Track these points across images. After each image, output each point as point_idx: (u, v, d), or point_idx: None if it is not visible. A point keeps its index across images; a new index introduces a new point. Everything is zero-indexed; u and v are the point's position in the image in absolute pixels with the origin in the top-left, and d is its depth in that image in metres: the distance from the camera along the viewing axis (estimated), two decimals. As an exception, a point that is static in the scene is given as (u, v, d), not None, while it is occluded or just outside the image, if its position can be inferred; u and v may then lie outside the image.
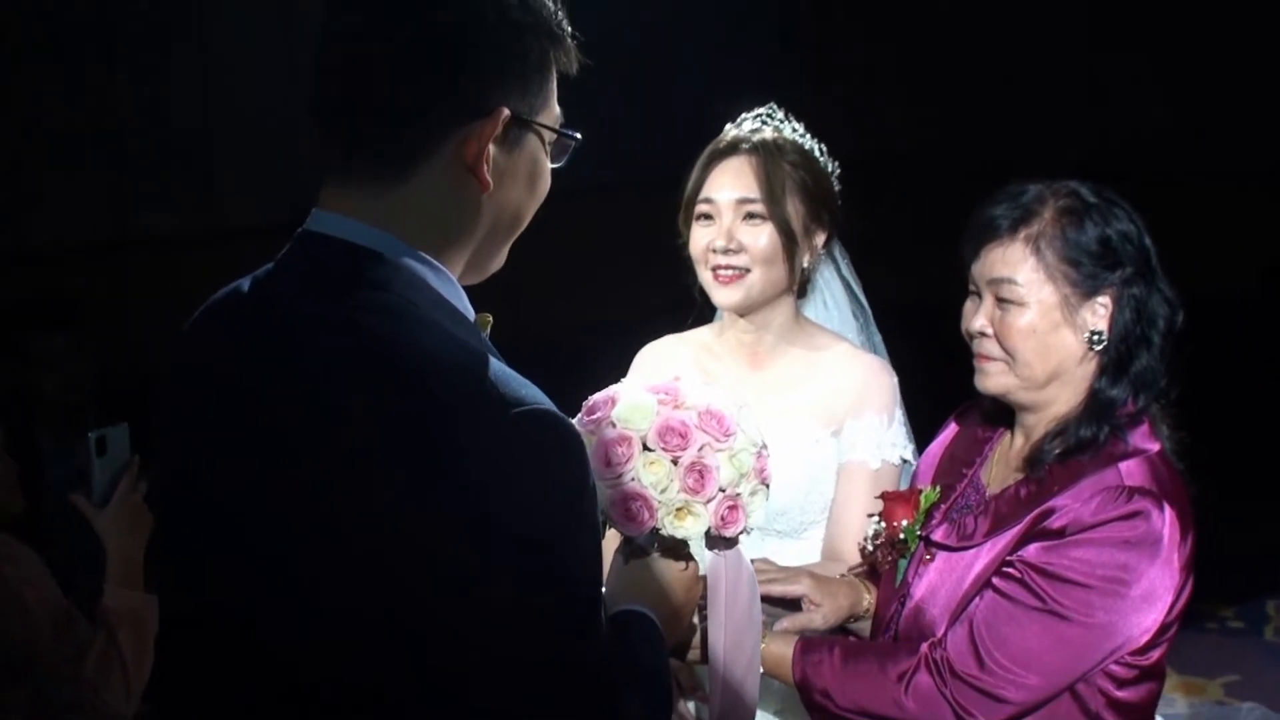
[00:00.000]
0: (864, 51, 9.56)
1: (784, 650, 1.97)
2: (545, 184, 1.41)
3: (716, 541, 1.68)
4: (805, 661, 1.96)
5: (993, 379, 1.96)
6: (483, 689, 1.24)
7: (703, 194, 2.25)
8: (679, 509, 1.60)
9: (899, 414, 2.29)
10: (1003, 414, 2.07)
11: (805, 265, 2.27)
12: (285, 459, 1.28)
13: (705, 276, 2.26)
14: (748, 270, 2.22)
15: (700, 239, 2.25)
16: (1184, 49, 8.84)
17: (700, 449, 1.61)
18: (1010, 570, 1.88)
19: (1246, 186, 8.60)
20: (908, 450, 2.30)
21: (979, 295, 1.97)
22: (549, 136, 1.39)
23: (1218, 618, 4.88)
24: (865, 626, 2.13)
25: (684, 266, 2.34)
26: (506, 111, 1.32)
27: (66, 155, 6.25)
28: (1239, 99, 8.78)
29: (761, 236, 2.21)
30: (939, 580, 1.97)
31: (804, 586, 2.05)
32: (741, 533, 1.66)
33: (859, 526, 2.20)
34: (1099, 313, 1.91)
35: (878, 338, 2.47)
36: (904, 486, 2.27)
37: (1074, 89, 9.18)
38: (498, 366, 1.27)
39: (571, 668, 1.27)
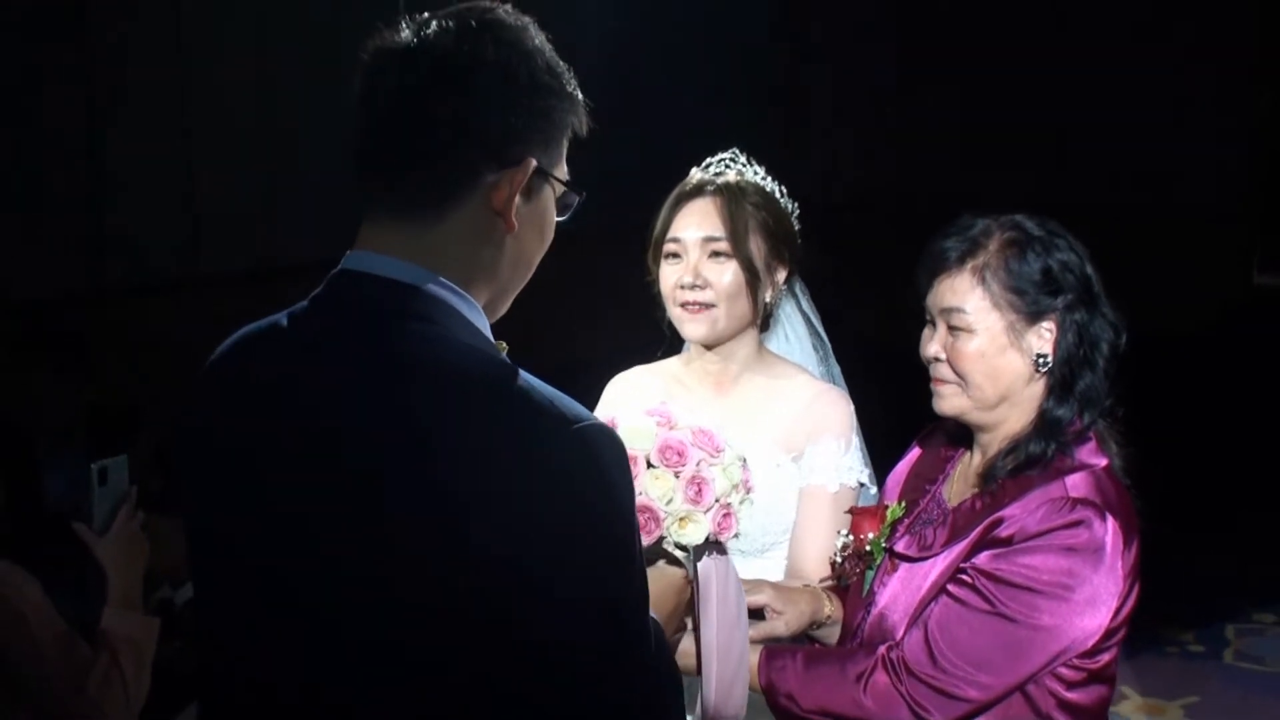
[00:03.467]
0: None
1: (750, 657, 2.09)
2: (551, 234, 1.55)
3: (710, 547, 1.84)
4: (770, 667, 2.08)
5: (947, 401, 2.10)
6: (574, 682, 1.35)
7: (670, 233, 2.40)
8: (682, 518, 1.79)
9: (856, 440, 2.43)
10: (964, 435, 2.21)
11: (768, 300, 2.41)
12: (353, 497, 1.36)
13: (674, 311, 2.40)
14: (713, 305, 2.36)
15: (669, 276, 2.39)
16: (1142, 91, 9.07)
17: (697, 464, 1.78)
18: (963, 576, 2.01)
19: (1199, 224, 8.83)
20: (864, 474, 2.43)
21: (933, 323, 2.12)
22: (559, 190, 1.53)
23: (1178, 641, 5.02)
24: (828, 634, 2.25)
25: (654, 303, 2.48)
26: (534, 162, 1.47)
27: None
28: (1190, 140, 9.02)
29: (726, 273, 2.35)
30: (900, 588, 2.10)
31: (766, 596, 2.17)
32: (733, 537, 1.82)
33: (820, 547, 2.33)
34: (1044, 337, 2.05)
35: (837, 369, 2.61)
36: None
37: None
38: (543, 385, 1.39)
39: (644, 665, 1.41)
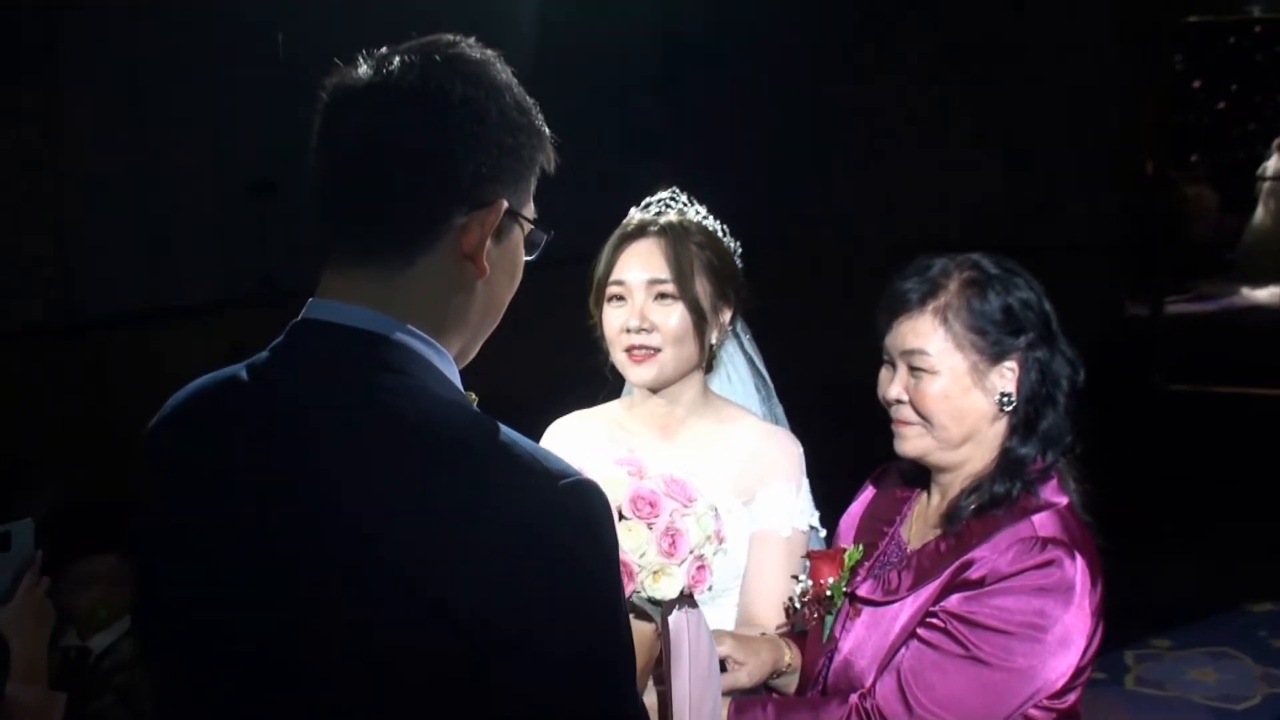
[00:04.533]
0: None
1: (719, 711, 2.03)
2: (521, 274, 1.49)
3: (681, 600, 1.77)
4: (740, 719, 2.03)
5: (910, 442, 2.07)
6: None
7: (614, 276, 2.34)
8: (655, 571, 1.71)
9: (805, 483, 2.39)
10: (919, 475, 2.18)
11: (713, 342, 2.36)
12: (324, 559, 1.29)
13: (619, 356, 2.34)
14: (660, 349, 2.30)
15: (614, 320, 2.33)
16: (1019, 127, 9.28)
17: (670, 515, 1.70)
18: (934, 620, 1.97)
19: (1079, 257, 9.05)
20: (814, 517, 2.39)
21: (893, 365, 2.09)
22: (527, 229, 1.46)
23: (1080, 669, 5.06)
24: (788, 682, 2.20)
25: (594, 346, 2.42)
26: (505, 203, 1.40)
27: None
28: (1063, 172, 9.25)
29: (673, 316, 2.30)
30: (865, 633, 2.06)
31: (727, 647, 2.12)
32: (707, 590, 1.75)
33: (774, 593, 2.28)
34: (1006, 376, 2.03)
35: (779, 409, 2.57)
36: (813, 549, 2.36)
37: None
38: (524, 439, 1.33)
39: None
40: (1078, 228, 9.21)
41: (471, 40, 1.45)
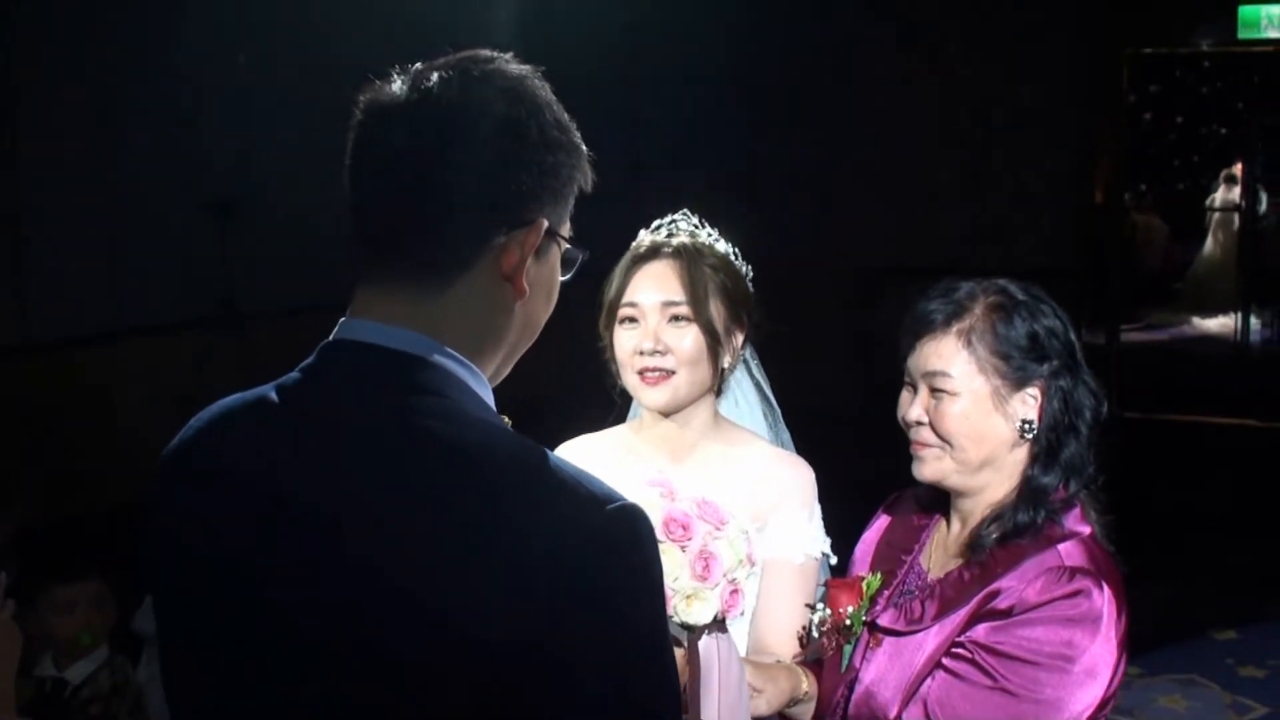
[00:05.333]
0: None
1: None
2: (557, 295, 1.45)
3: (712, 625, 1.73)
4: None
5: (929, 465, 2.05)
6: None
7: (626, 298, 2.30)
8: (689, 596, 1.66)
9: (817, 509, 2.36)
10: (935, 502, 2.16)
11: (726, 365, 2.33)
12: (363, 592, 1.24)
13: (631, 379, 2.30)
14: (673, 371, 2.27)
15: (626, 342, 2.29)
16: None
17: (703, 537, 1.66)
18: (960, 650, 1.95)
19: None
20: (826, 544, 2.36)
21: (914, 387, 2.07)
22: (564, 248, 1.43)
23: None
24: (804, 711, 2.17)
25: (604, 369, 2.38)
26: (545, 223, 1.37)
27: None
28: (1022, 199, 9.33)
29: (686, 338, 2.27)
30: (888, 664, 2.03)
31: (747, 674, 2.08)
32: (739, 615, 1.71)
33: (787, 621, 2.25)
34: (1028, 403, 2.02)
35: (786, 435, 2.54)
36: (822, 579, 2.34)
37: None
38: (567, 462, 1.29)
39: None
40: (1034, 255, 9.29)
41: (508, 56, 1.41)
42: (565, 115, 1.40)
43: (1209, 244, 13.47)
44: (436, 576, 1.21)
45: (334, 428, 1.31)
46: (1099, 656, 1.92)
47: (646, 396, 2.29)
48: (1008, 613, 1.93)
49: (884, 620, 2.07)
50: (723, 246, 2.37)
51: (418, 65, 1.39)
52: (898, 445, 2.14)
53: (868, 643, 2.09)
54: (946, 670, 1.95)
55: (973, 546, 2.03)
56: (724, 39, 9.25)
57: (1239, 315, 11.19)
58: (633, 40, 9.24)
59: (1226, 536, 6.64)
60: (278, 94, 7.21)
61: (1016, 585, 1.93)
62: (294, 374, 1.38)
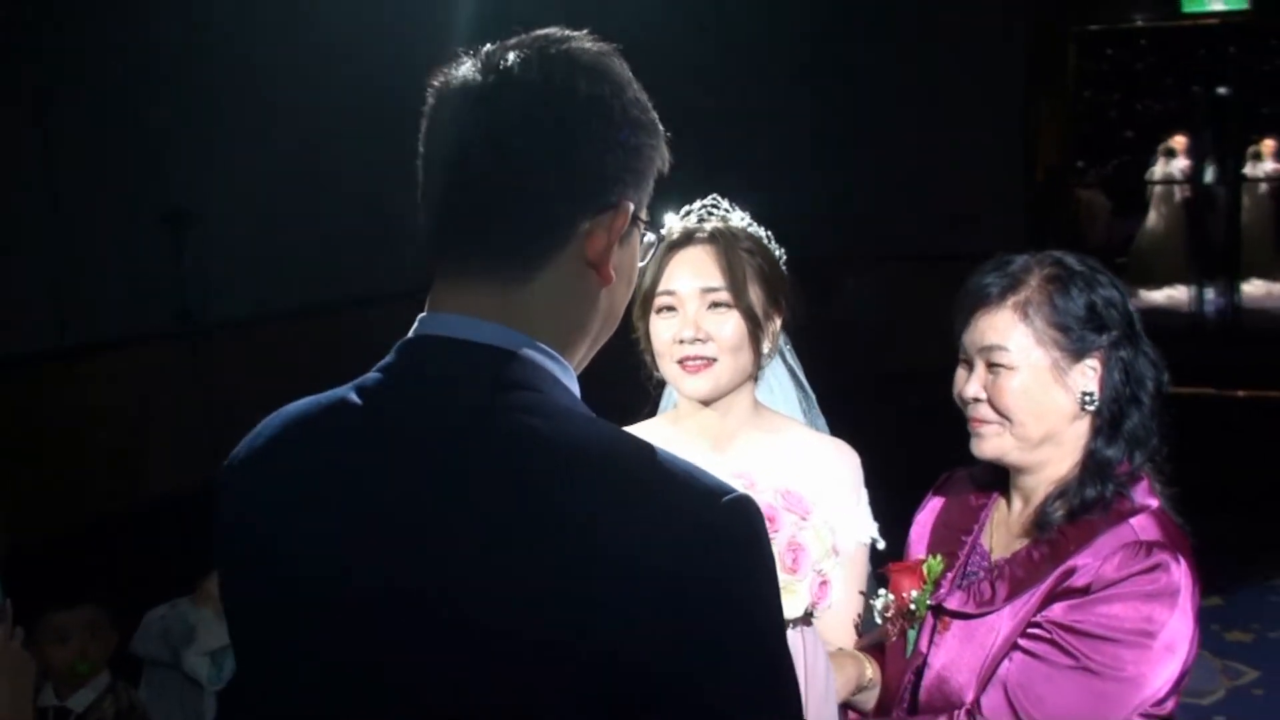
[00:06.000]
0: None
1: None
2: (635, 281, 1.40)
3: (799, 619, 1.67)
4: None
5: (989, 442, 2.01)
6: None
7: (663, 285, 2.24)
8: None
9: (864, 494, 2.31)
10: (992, 481, 2.12)
11: (766, 351, 2.28)
12: (461, 592, 1.17)
13: (671, 369, 2.24)
14: (715, 359, 2.21)
15: (664, 331, 2.23)
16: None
17: (791, 529, 1.60)
18: (1038, 631, 1.91)
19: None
20: (874, 529, 2.31)
21: (970, 363, 2.02)
22: (643, 232, 1.37)
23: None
24: (868, 698, 2.12)
25: (637, 360, 2.32)
26: (631, 206, 1.31)
27: None
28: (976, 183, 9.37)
29: (727, 325, 2.21)
30: (960, 648, 1.98)
31: None
32: (827, 608, 1.66)
33: (841, 608, 2.19)
34: (1088, 375, 1.98)
35: (821, 420, 2.49)
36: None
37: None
38: (674, 455, 1.22)
39: None
40: (985, 236, 9.32)
41: (583, 33, 1.35)
42: (644, 95, 1.34)
43: (1151, 217, 13.61)
44: (543, 584, 1.14)
45: (424, 429, 1.24)
46: (1177, 631, 1.89)
47: (688, 385, 2.23)
48: (1085, 590, 1.88)
49: (952, 603, 2.02)
50: (756, 231, 2.32)
51: (488, 46, 1.32)
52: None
53: (934, 627, 2.04)
54: (1025, 651, 1.91)
55: (1039, 524, 1.99)
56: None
57: (1194, 287, 11.31)
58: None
59: (1198, 505, 6.66)
60: (234, 101, 7.09)
61: (1092, 562, 1.89)
62: (373, 374, 1.31)
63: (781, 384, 2.45)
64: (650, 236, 1.39)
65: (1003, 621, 1.95)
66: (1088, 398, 1.97)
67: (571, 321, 1.31)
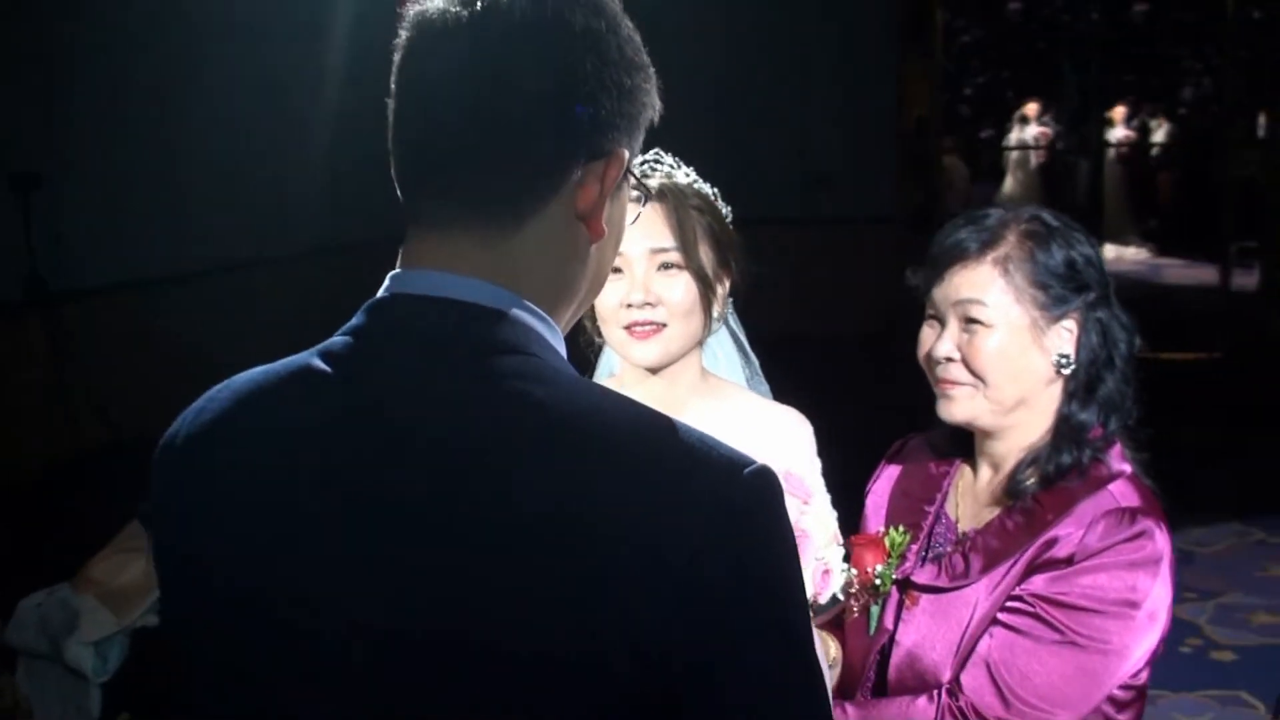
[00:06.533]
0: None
1: None
2: (622, 239, 1.27)
3: None
4: None
5: (960, 405, 1.92)
6: None
7: None
8: None
9: (818, 464, 2.20)
10: (953, 446, 2.04)
11: (716, 315, 2.15)
12: (458, 583, 1.04)
13: (616, 334, 2.10)
14: (665, 324, 2.08)
15: (610, 295, 2.09)
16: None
17: (794, 514, 1.48)
18: (1019, 605, 1.83)
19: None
20: (828, 500, 2.21)
21: (940, 320, 1.93)
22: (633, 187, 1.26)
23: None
24: (829, 677, 2.02)
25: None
26: (626, 154, 1.18)
27: None
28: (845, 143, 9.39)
29: (678, 288, 2.07)
30: (932, 624, 1.89)
31: None
32: (830, 601, 1.54)
33: None
34: (1064, 336, 1.90)
35: (765, 386, 2.37)
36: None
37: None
38: (684, 423, 1.10)
39: None
40: (856, 202, 9.36)
41: None
42: (637, 33, 1.21)
43: (1009, 182, 13.87)
44: (559, 587, 1.02)
45: (406, 402, 1.10)
46: (1159, 599, 1.82)
47: (637, 352, 2.09)
48: (1068, 561, 1.81)
49: (921, 577, 1.93)
50: (703, 187, 2.19)
51: None
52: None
53: (901, 602, 1.95)
54: (1005, 626, 1.83)
55: (1011, 492, 1.91)
56: None
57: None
58: None
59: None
60: (86, 59, 6.73)
61: (1074, 531, 1.81)
62: (339, 339, 1.16)
63: (725, 348, 2.32)
64: (642, 191, 1.27)
65: (979, 595, 1.87)
66: (1064, 360, 1.90)
67: (560, 279, 1.19)
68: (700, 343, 2.17)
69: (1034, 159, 13.63)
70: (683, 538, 1.02)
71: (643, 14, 1.25)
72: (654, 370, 2.13)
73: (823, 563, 1.56)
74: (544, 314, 1.16)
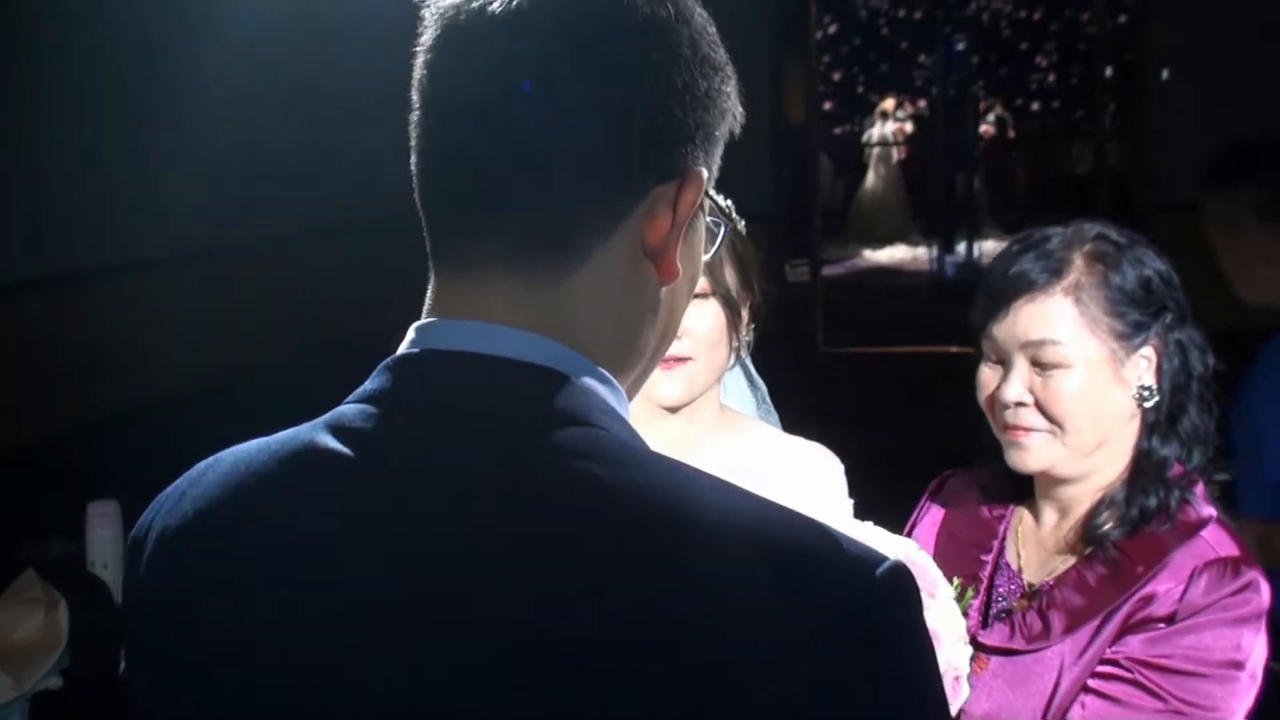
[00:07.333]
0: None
1: None
2: (698, 281, 1.03)
3: None
4: None
5: (1035, 454, 1.72)
6: None
7: None
8: None
9: (849, 506, 2.00)
10: (1007, 486, 1.85)
11: (738, 345, 1.93)
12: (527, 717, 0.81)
13: None
14: (691, 358, 1.85)
15: None
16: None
17: None
18: (1114, 670, 1.64)
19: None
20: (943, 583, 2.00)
21: (1004, 361, 1.73)
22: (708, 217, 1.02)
23: None
24: None
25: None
26: (705, 174, 0.95)
27: None
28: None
29: (706, 317, 1.85)
30: (1009, 690, 1.69)
31: None
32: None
33: None
34: (1142, 365, 1.72)
35: (774, 417, 2.17)
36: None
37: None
38: (798, 513, 0.88)
39: None
40: (736, 196, 9.23)
41: None
42: (713, 24, 0.98)
43: (870, 178, 13.93)
44: (636, 702, 0.80)
45: (444, 487, 0.86)
46: (1259, 657, 1.66)
47: (661, 390, 1.86)
48: (1169, 619, 1.63)
49: (992, 639, 1.72)
50: (722, 202, 1.95)
51: None
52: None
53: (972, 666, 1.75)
54: (1099, 695, 1.63)
55: (1089, 540, 1.72)
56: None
57: (933, 246, 11.55)
58: None
59: (948, 461, 6.65)
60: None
61: (1174, 587, 1.63)
62: (353, 407, 0.92)
63: (733, 376, 2.10)
64: (719, 222, 1.05)
65: (1063, 658, 1.67)
66: (1146, 392, 1.71)
67: (623, 332, 0.95)
68: (720, 376, 1.95)
69: (895, 154, 13.71)
70: (800, 660, 0.80)
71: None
72: (677, 408, 1.90)
73: (953, 669, 1.34)
74: (608, 375, 0.93)
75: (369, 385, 0.93)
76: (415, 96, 0.94)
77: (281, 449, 0.93)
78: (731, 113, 0.98)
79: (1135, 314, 1.70)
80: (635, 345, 0.96)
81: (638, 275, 0.94)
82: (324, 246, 8.07)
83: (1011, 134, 14.42)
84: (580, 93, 0.89)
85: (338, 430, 0.90)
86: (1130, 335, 1.70)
